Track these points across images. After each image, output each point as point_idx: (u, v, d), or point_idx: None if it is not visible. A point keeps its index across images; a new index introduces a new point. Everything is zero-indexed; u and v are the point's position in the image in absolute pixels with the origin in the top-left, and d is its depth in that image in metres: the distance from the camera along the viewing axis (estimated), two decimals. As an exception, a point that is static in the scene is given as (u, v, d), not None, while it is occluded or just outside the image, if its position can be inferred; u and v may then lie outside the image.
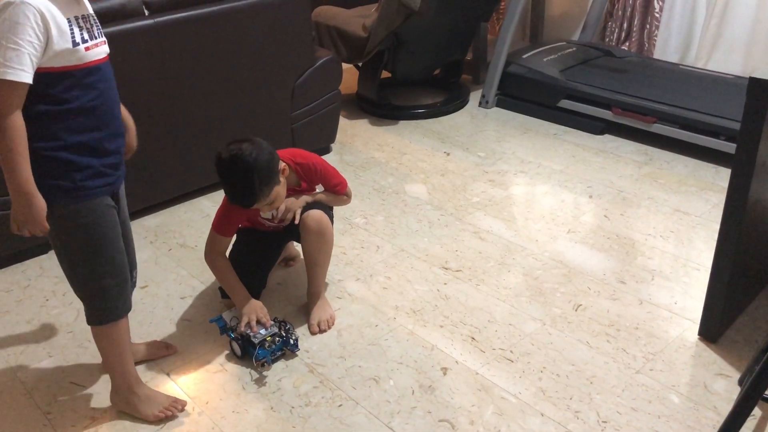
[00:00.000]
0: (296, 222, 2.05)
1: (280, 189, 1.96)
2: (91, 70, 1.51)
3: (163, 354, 2.03)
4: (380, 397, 1.86)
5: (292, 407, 1.83)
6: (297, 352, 2.00)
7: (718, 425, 1.54)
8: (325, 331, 2.10)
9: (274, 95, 2.93)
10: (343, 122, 3.59)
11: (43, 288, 2.36)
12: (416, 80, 3.94)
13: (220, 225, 2.07)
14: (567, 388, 1.87)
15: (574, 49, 3.88)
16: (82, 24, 1.49)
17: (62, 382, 1.95)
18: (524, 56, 3.76)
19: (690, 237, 2.54)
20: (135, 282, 1.87)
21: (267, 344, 1.93)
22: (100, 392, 1.90)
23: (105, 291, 1.67)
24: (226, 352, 2.04)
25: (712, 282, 1.98)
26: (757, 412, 1.77)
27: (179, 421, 1.80)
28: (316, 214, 2.06)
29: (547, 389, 1.86)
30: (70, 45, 1.45)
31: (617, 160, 3.15)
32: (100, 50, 1.54)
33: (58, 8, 1.44)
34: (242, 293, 2.03)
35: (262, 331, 1.94)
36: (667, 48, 3.97)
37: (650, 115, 3.23)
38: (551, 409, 1.80)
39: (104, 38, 1.58)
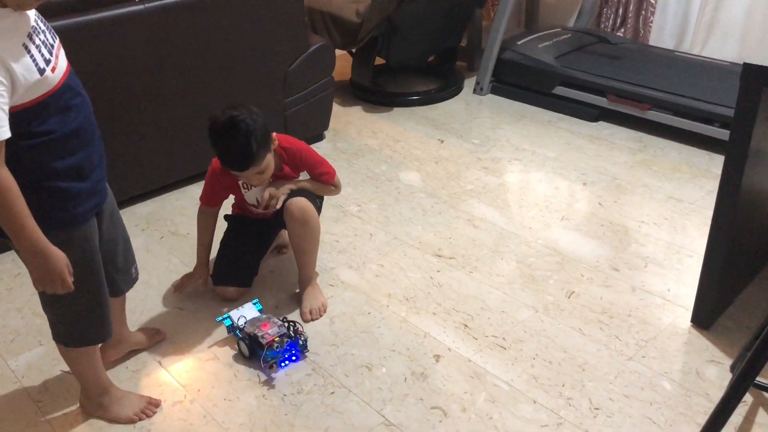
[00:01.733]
0: (277, 207, 2.05)
1: (271, 158, 1.96)
2: (63, 89, 1.38)
3: (157, 340, 2.02)
4: (372, 384, 1.85)
5: (284, 395, 1.82)
6: (307, 354, 1.94)
7: (710, 411, 1.54)
8: (316, 318, 2.10)
9: (267, 82, 2.91)
10: (337, 109, 3.56)
11: (34, 276, 2.34)
12: (410, 67, 3.91)
13: (205, 195, 2.12)
14: (559, 375, 1.87)
15: (569, 35, 3.85)
16: (37, 41, 1.33)
17: (53, 370, 1.94)
18: (519, 43, 3.74)
19: (683, 224, 2.54)
20: (136, 276, 1.85)
21: (275, 345, 1.86)
22: (92, 380, 1.89)
23: (85, 318, 1.61)
24: (218, 339, 2.03)
25: (704, 269, 1.98)
26: (748, 398, 1.78)
27: (170, 409, 1.80)
28: (300, 202, 2.05)
29: (540, 376, 1.86)
30: (37, 75, 1.30)
31: (611, 147, 3.14)
32: (62, 63, 1.40)
33: (8, 40, 1.26)
34: (200, 261, 2.18)
35: (271, 332, 1.88)
36: (662, 34, 3.95)
37: (645, 102, 3.22)
38: (543, 396, 1.80)
39: (56, 37, 1.42)
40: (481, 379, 1.86)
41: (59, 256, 1.39)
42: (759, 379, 1.65)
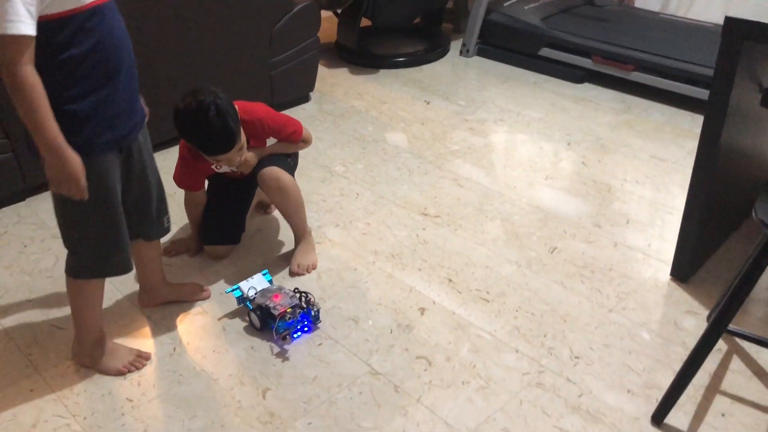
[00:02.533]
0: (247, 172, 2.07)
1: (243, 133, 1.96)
2: (93, 11, 1.41)
3: (199, 297, 2.03)
4: (359, 336, 1.89)
5: (273, 346, 1.86)
6: (319, 325, 1.92)
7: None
8: (302, 274, 2.13)
9: (253, 42, 2.89)
10: (323, 71, 3.55)
11: (21, 235, 2.35)
12: (396, 28, 3.89)
13: (187, 181, 2.13)
14: (541, 326, 1.91)
15: (556, -3, 3.85)
16: None
17: (42, 325, 1.96)
18: (505, 4, 3.73)
19: (665, 182, 2.58)
20: (168, 227, 1.87)
21: (288, 316, 1.83)
22: (82, 334, 1.92)
23: (99, 249, 1.66)
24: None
25: (683, 224, 2.02)
26: (723, 346, 1.84)
27: (160, 361, 1.83)
28: (273, 171, 2.04)
29: (522, 327, 1.91)
30: None
31: (596, 108, 3.17)
32: None
33: None
34: (192, 235, 2.25)
35: (283, 302, 1.85)
36: (648, -4, 3.95)
37: (629, 63, 3.24)
38: (526, 345, 1.85)
39: None
40: (464, 331, 1.90)
41: (75, 160, 1.44)
42: (732, 326, 1.70)
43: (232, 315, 1.96)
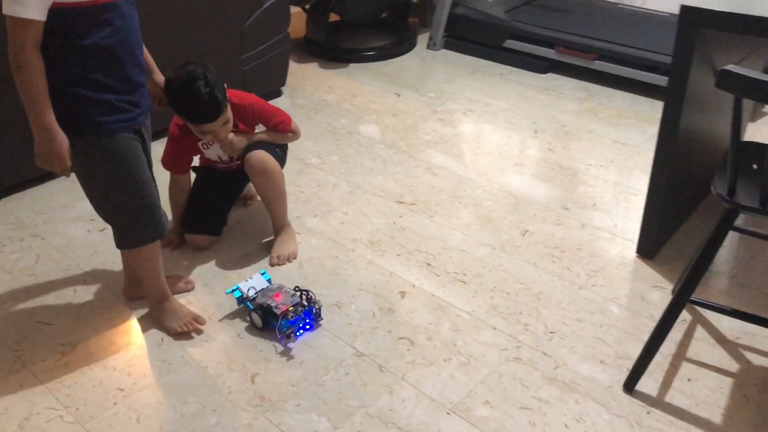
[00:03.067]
0: (237, 161, 2.11)
1: (230, 109, 2.02)
2: (107, 6, 1.51)
3: (182, 289, 2.06)
4: (343, 320, 1.95)
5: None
6: (321, 323, 1.94)
7: (653, 328, 1.69)
8: (282, 264, 2.18)
9: (224, 37, 2.93)
10: (293, 66, 3.59)
11: (-1, 234, 2.36)
12: (365, 23, 3.95)
13: (170, 162, 2.17)
14: (516, 304, 2.00)
15: (518, -10, 3.94)
16: None
17: (28, 321, 1.98)
18: (470, -3, 3.81)
19: (628, 165, 2.69)
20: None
21: (290, 314, 1.84)
22: (66, 328, 1.94)
23: (133, 218, 1.76)
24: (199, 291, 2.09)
25: (647, 204, 2.13)
26: (687, 317, 1.94)
27: (149, 350, 1.87)
28: (259, 154, 2.11)
29: (498, 306, 1.99)
30: None
31: (560, 97, 3.27)
32: None
33: None
34: (174, 226, 2.25)
35: (284, 301, 1.87)
36: (607, -12, 4.07)
37: (591, 52, 3.35)
38: (503, 323, 1.93)
39: None
40: (444, 311, 1.98)
41: (61, 139, 1.55)
42: (696, 297, 1.81)
43: (231, 316, 1.97)
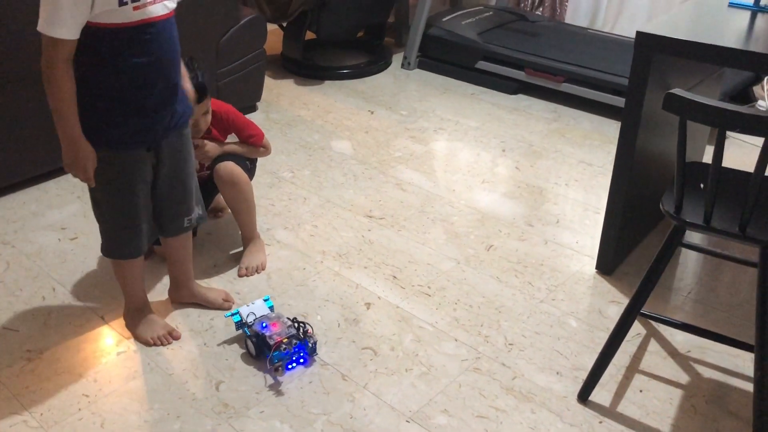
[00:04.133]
0: (206, 168, 2.15)
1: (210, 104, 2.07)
2: (142, 28, 1.55)
3: (223, 305, 2.06)
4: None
5: (225, 342, 1.94)
6: (316, 357, 1.89)
7: (607, 340, 1.75)
8: (251, 275, 2.21)
9: (199, 53, 2.97)
10: (269, 82, 3.65)
11: (-31, 242, 2.37)
12: (340, 41, 4.03)
13: None
14: (478, 317, 2.06)
15: (491, 13, 4.05)
16: None
17: (-5, 328, 1.99)
18: (444, 19, 3.91)
19: (592, 185, 2.78)
20: (188, 227, 1.94)
21: (283, 347, 1.81)
22: (34, 335, 1.96)
23: (115, 233, 1.83)
24: (151, 292, 2.12)
25: (606, 221, 2.21)
26: (642, 330, 2.01)
27: (115, 359, 1.89)
28: (227, 165, 2.15)
29: (461, 318, 2.05)
30: (115, 5, 1.50)
31: (529, 118, 3.36)
32: (154, 8, 1.56)
33: None
34: None
35: (280, 332, 1.84)
36: (577, 14, 4.20)
37: (560, 75, 3.45)
38: (464, 335, 1.99)
39: None
40: (408, 323, 2.03)
41: (87, 150, 1.62)
42: (651, 311, 1.88)
43: (231, 341, 1.95)
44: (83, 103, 1.59)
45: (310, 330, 1.89)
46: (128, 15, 1.53)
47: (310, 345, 1.87)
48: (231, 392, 1.78)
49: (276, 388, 1.79)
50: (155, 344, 1.92)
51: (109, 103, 1.63)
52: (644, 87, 1.96)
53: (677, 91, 1.45)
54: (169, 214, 1.88)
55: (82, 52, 1.54)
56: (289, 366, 1.84)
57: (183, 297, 2.07)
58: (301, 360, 1.85)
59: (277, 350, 1.80)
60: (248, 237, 2.28)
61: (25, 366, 1.86)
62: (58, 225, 2.46)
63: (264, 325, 1.86)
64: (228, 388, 1.79)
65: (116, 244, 1.85)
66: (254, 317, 1.90)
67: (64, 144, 1.62)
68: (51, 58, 1.52)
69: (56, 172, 2.74)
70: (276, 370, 1.80)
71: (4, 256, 2.30)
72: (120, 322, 2.01)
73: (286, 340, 1.82)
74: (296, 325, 1.88)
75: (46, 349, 1.91)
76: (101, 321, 2.03)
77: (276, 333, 1.84)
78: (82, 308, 2.07)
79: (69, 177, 2.73)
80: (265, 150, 2.31)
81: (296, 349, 1.83)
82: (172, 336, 1.95)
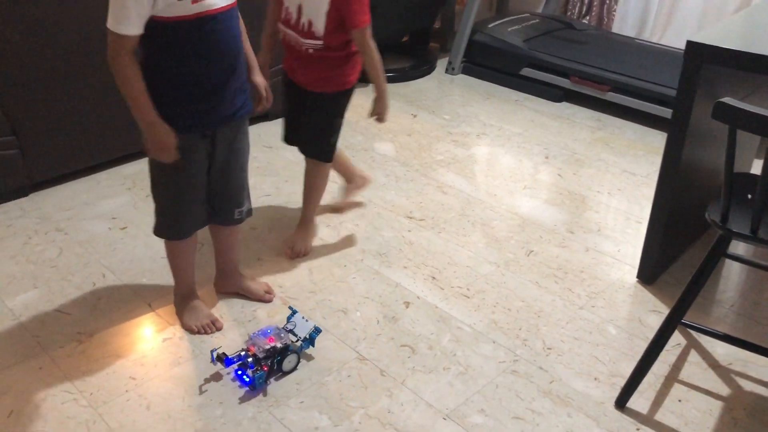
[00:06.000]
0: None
1: None
2: (203, 20, 1.61)
3: (264, 297, 2.11)
4: (348, 326, 2.03)
5: (283, 324, 1.98)
6: (267, 382, 1.81)
7: (647, 348, 1.75)
8: (292, 258, 2.30)
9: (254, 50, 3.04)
10: (315, 83, 3.71)
11: (25, 227, 2.46)
12: (386, 45, 4.05)
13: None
14: (517, 320, 2.07)
15: (537, 20, 4.06)
16: None
17: (48, 309, 2.07)
18: (490, 26, 3.93)
19: (635, 194, 2.76)
20: (240, 219, 1.99)
21: (246, 357, 1.79)
22: (84, 318, 2.03)
23: (167, 214, 1.90)
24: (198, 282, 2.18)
25: (649, 231, 2.20)
26: (682, 340, 2.00)
27: (162, 343, 1.95)
28: (314, 164, 2.30)
29: (499, 321, 2.06)
30: None
31: (573, 126, 3.35)
32: (213, 0, 1.61)
33: None
34: (264, 48, 2.24)
35: (262, 345, 1.80)
36: (624, 23, 4.17)
37: (606, 84, 3.43)
38: (502, 337, 2.00)
39: None
40: (446, 323, 2.05)
41: (166, 132, 1.68)
42: (690, 320, 1.87)
43: (247, 318, 2.07)
44: (156, 88, 1.66)
45: (293, 346, 1.84)
46: (187, 8, 1.59)
47: (256, 374, 1.77)
48: (272, 382, 1.82)
49: (315, 379, 1.83)
50: (199, 332, 1.98)
51: (169, 88, 1.68)
52: (692, 97, 1.95)
53: (728, 100, 1.44)
54: (220, 203, 1.94)
55: (145, 42, 1.62)
56: (230, 366, 1.81)
57: (228, 287, 2.13)
58: (246, 378, 1.78)
59: (239, 356, 1.80)
60: (305, 217, 2.38)
61: (76, 347, 1.93)
62: (108, 215, 2.54)
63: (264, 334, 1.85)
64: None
65: (167, 224, 1.92)
66: (294, 326, 1.88)
67: (143, 129, 1.68)
68: (116, 51, 1.59)
69: (107, 163, 2.84)
70: (218, 357, 1.79)
71: (58, 242, 2.38)
72: (166, 310, 2.08)
73: (254, 353, 1.79)
74: (281, 346, 1.81)
75: (96, 333, 1.99)
76: (148, 308, 2.09)
77: (260, 344, 1.80)
78: (131, 295, 2.14)
79: (119, 169, 2.85)
80: (365, 41, 2.13)
81: (251, 365, 1.78)
82: (215, 325, 2.00)
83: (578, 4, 4.35)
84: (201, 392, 1.79)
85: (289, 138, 2.36)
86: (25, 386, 1.79)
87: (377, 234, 2.48)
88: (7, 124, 2.48)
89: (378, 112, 2.23)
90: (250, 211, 2.04)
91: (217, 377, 1.83)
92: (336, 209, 2.61)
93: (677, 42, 3.92)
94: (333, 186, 2.79)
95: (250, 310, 2.08)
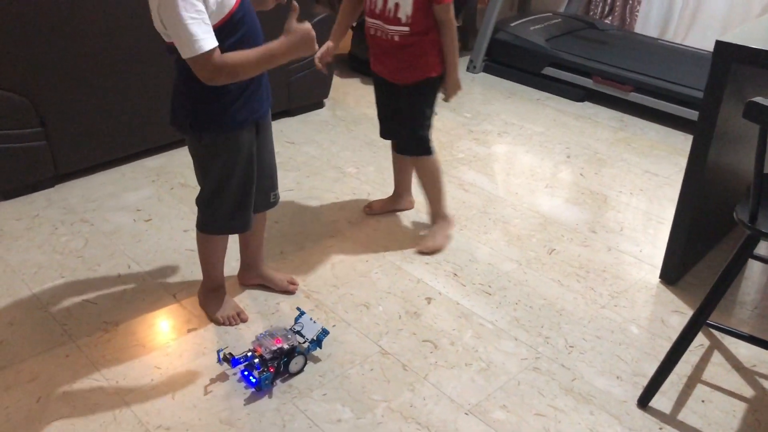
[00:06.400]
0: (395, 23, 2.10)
1: None
2: (237, 11, 1.63)
3: (287, 288, 2.13)
4: (370, 320, 2.04)
5: (291, 326, 2.00)
6: (269, 387, 1.79)
7: (670, 348, 1.75)
8: (424, 254, 2.33)
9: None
10: (336, 80, 3.72)
11: (51, 218, 2.50)
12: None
13: None
14: (539, 318, 2.07)
15: (560, 20, 4.04)
16: None
17: (75, 299, 2.10)
18: (512, 24, 3.92)
19: (657, 195, 2.75)
20: (274, 203, 2.03)
21: (254, 357, 1.79)
22: (110, 308, 2.06)
23: (233, 209, 1.88)
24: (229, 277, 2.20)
25: (672, 231, 2.19)
26: (705, 341, 1.99)
27: (186, 334, 1.97)
28: (414, 160, 2.35)
29: (521, 318, 2.06)
30: None
31: (595, 125, 3.34)
32: None
33: None
34: (333, 37, 2.38)
35: (269, 346, 1.79)
36: (647, 23, 4.15)
37: (628, 84, 3.42)
38: (524, 334, 2.00)
39: None
40: (468, 319, 2.06)
41: (290, 39, 1.66)
42: (714, 321, 1.86)
43: (265, 308, 2.09)
44: (213, 92, 1.66)
45: (300, 347, 1.83)
46: (228, 2, 1.60)
47: (263, 375, 1.76)
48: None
49: (338, 372, 1.84)
50: (224, 324, 2.00)
51: (233, 86, 1.68)
52: (720, 97, 1.94)
53: (760, 99, 1.44)
54: (260, 191, 1.96)
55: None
56: (236, 365, 1.80)
57: (252, 278, 2.15)
58: (252, 379, 1.77)
59: (246, 357, 1.80)
60: (431, 215, 2.45)
61: (102, 336, 1.96)
62: (133, 207, 2.57)
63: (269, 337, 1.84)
64: (292, 369, 1.85)
65: (231, 219, 1.90)
66: (301, 327, 1.87)
67: (286, 58, 1.66)
68: (211, 72, 1.57)
69: (131, 156, 2.87)
70: (225, 357, 1.79)
71: (83, 233, 2.42)
72: (190, 301, 2.10)
73: (261, 352, 1.78)
74: (288, 347, 1.80)
75: (122, 322, 2.01)
76: (173, 299, 2.12)
77: (267, 344, 1.79)
78: (156, 286, 2.17)
79: (143, 162, 2.88)
80: (447, 18, 2.11)
81: (257, 366, 1.78)
82: (240, 317, 2.02)
83: (600, 4, 4.34)
84: (224, 383, 1.81)
85: (385, 133, 2.44)
86: (53, 373, 1.82)
87: (398, 230, 2.48)
88: (36, 117, 2.52)
89: (448, 90, 2.24)
90: (278, 196, 2.06)
91: (240, 368, 1.85)
92: (369, 209, 2.58)
93: (701, 43, 3.90)
94: (375, 190, 2.81)
95: (273, 303, 2.10)
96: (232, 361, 1.79)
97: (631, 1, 4.16)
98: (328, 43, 2.31)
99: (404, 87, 2.23)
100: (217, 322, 2.01)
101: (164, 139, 2.95)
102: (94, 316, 2.03)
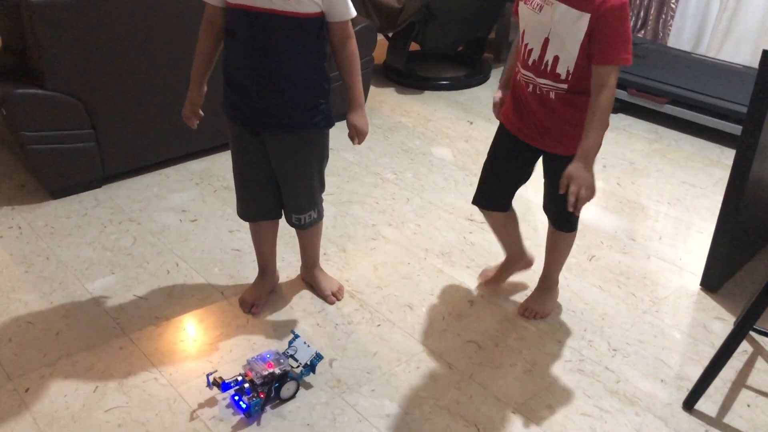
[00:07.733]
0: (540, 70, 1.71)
1: None
2: (241, 12, 1.71)
3: (325, 299, 2.14)
4: (414, 320, 2.07)
5: (336, 324, 2.04)
6: (264, 409, 1.74)
7: (716, 352, 1.76)
8: (524, 316, 2.08)
9: (314, 56, 3.12)
10: (372, 89, 3.78)
11: (100, 217, 2.56)
12: (442, 54, 4.13)
13: None
14: (581, 322, 2.09)
15: (593, 33, 4.07)
16: None
17: (126, 294, 2.16)
18: (545, 37, 3.96)
19: (694, 205, 2.76)
20: (297, 223, 2.00)
21: (245, 382, 1.73)
22: (160, 304, 2.11)
23: (236, 195, 2.02)
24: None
25: (714, 241, 2.20)
26: (749, 348, 2.00)
27: (235, 329, 2.02)
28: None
29: (564, 322, 2.09)
30: None
31: (629, 137, 3.37)
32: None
33: None
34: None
35: (260, 371, 1.73)
36: (680, 37, 4.17)
37: (663, 97, 3.44)
38: (567, 338, 2.02)
39: None
40: (511, 322, 2.08)
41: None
42: (760, 326, 1.87)
43: (312, 305, 2.14)
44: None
45: (293, 372, 1.77)
46: None
47: (253, 401, 1.70)
48: (343, 369, 1.87)
49: (385, 369, 1.87)
50: (240, 305, 2.11)
51: (224, 73, 1.83)
52: (766, 107, 1.96)
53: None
54: (285, 205, 2.00)
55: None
56: (227, 390, 1.73)
57: (305, 276, 2.22)
58: (242, 405, 1.70)
59: (237, 381, 1.73)
60: (545, 278, 2.11)
61: (154, 330, 2.01)
62: (179, 207, 2.63)
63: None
64: (340, 365, 1.89)
65: (237, 204, 2.03)
66: (294, 351, 1.81)
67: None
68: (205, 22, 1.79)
69: (176, 159, 2.94)
70: (214, 381, 1.72)
71: (131, 231, 2.48)
72: (238, 298, 2.14)
73: (251, 377, 1.73)
74: (280, 372, 1.74)
75: (172, 317, 2.06)
76: (221, 296, 2.16)
77: (259, 369, 1.74)
78: (203, 283, 2.22)
79: (187, 165, 2.95)
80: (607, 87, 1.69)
81: (248, 391, 1.72)
82: (251, 309, 2.08)
83: (633, 18, 4.36)
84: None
85: (484, 201, 2.03)
86: (108, 364, 1.87)
87: (439, 234, 2.52)
88: (88, 119, 2.59)
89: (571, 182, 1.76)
90: (314, 220, 2.01)
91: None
92: (488, 281, 2.24)
93: (733, 57, 3.91)
94: (414, 195, 2.84)
95: (320, 302, 2.14)
96: (222, 385, 1.71)
97: (664, 16, 4.18)
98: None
99: (552, 157, 1.88)
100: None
101: (209, 143, 3.01)
102: (144, 311, 2.09)
